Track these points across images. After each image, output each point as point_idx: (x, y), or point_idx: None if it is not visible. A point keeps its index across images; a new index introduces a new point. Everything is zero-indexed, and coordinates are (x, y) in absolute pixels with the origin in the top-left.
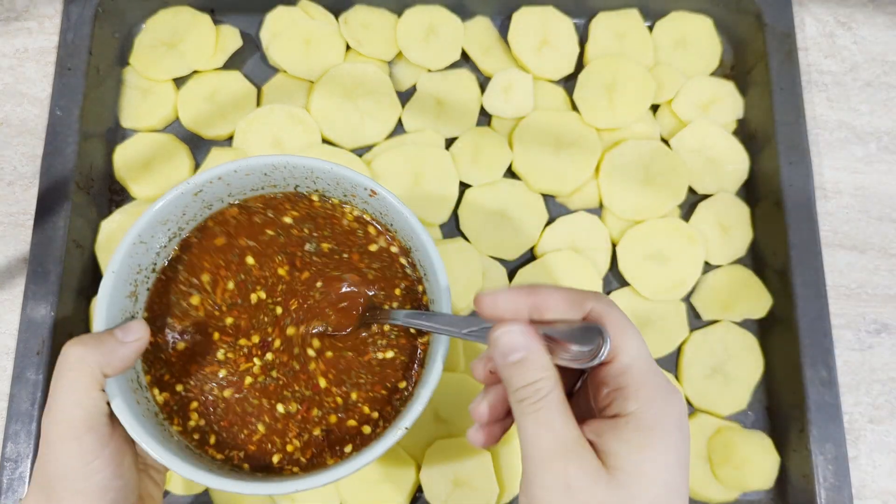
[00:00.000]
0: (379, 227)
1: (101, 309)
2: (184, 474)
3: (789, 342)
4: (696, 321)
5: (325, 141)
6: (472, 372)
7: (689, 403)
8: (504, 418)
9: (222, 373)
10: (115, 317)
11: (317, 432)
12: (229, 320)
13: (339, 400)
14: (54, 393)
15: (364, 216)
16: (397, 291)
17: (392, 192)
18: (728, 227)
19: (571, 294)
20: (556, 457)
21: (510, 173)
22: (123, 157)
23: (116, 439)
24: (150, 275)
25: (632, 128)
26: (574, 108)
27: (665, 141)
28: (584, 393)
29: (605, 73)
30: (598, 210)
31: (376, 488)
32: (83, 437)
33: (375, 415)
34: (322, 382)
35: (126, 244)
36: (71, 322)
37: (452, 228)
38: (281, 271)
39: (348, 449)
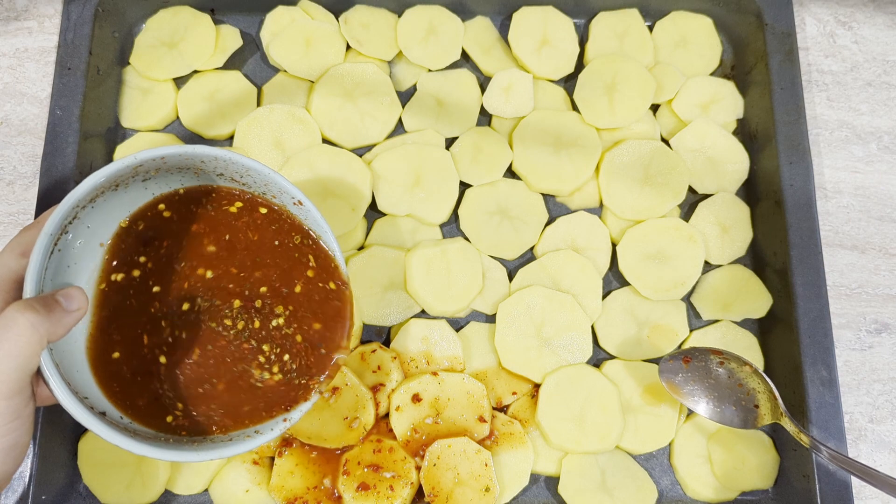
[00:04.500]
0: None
1: (33, 270)
2: (109, 439)
3: (789, 342)
4: (696, 321)
5: (325, 141)
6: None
7: None
8: None
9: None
10: (45, 281)
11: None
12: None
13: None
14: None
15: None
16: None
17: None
18: (728, 226)
19: None
20: None
21: (510, 173)
22: (123, 157)
23: (33, 400)
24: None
25: (632, 128)
26: (574, 108)
27: (665, 141)
28: None
29: (605, 73)
30: (598, 210)
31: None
32: (13, 398)
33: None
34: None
35: (63, 207)
36: None
37: (452, 228)
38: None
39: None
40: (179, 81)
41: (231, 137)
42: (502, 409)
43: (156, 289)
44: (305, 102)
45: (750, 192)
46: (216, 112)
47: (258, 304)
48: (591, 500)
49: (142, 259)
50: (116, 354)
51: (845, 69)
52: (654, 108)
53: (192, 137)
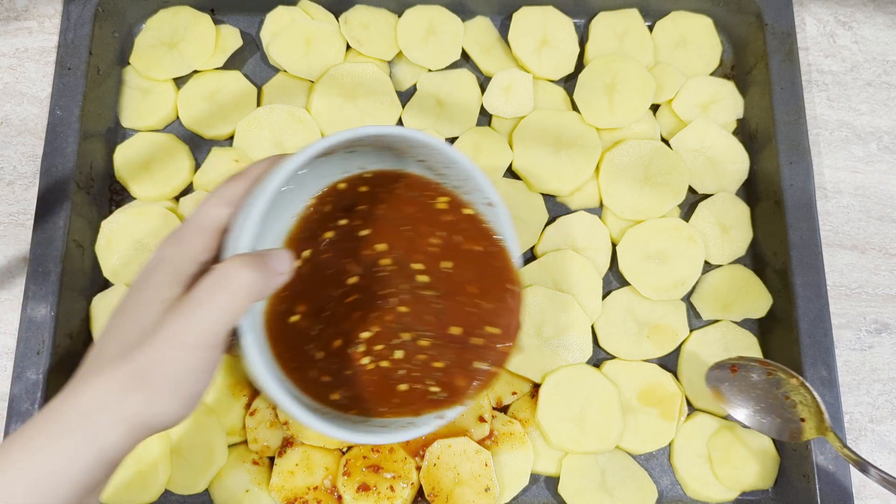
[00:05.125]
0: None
1: (252, 226)
2: (298, 416)
3: (789, 342)
4: (696, 321)
5: None
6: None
7: (689, 403)
8: None
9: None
10: (260, 239)
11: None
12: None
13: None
14: (207, 302)
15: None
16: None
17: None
18: (728, 226)
19: None
20: None
21: (510, 173)
22: (123, 157)
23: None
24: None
25: (632, 128)
26: (574, 108)
27: (665, 141)
28: None
29: (605, 73)
30: (598, 210)
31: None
32: (211, 350)
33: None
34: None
35: (288, 168)
36: (71, 322)
37: None
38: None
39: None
40: (179, 81)
41: (231, 137)
42: (502, 409)
43: (338, 262)
44: (305, 102)
45: (750, 192)
46: (216, 112)
47: (419, 277)
48: (591, 500)
49: (328, 235)
50: (295, 318)
51: (845, 69)
52: (654, 108)
53: (192, 137)
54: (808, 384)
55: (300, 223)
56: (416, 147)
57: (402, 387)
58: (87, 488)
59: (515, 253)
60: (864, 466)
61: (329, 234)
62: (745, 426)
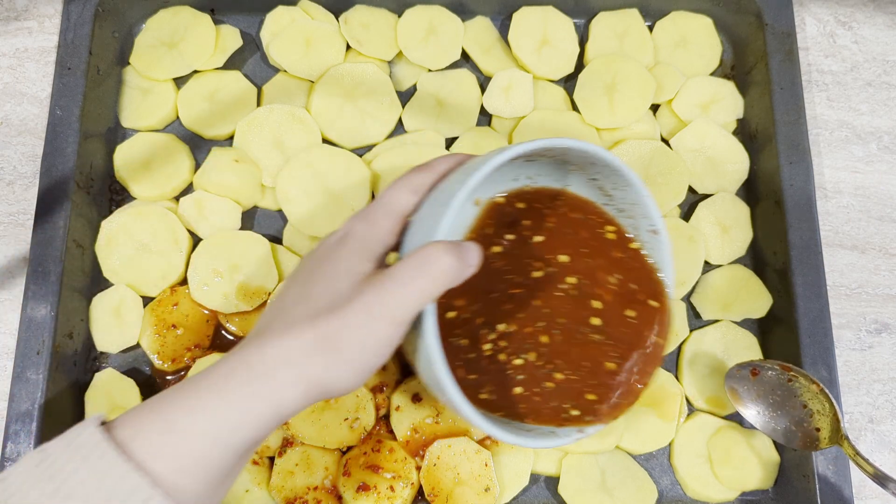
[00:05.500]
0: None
1: (449, 217)
2: (467, 413)
3: (789, 342)
4: (696, 321)
5: (325, 141)
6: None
7: (689, 403)
8: None
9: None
10: (452, 230)
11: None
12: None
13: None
14: (410, 281)
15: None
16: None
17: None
18: (728, 226)
19: None
20: None
21: None
22: (123, 157)
23: None
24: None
25: (632, 128)
26: (574, 108)
27: (665, 141)
28: None
29: (605, 73)
30: None
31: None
32: (400, 327)
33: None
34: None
35: (485, 170)
36: (71, 322)
37: None
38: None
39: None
40: (179, 81)
41: (231, 137)
42: None
43: (505, 268)
44: (305, 102)
45: (750, 192)
46: (216, 112)
47: (593, 320)
48: (591, 500)
49: (496, 248)
50: (452, 314)
51: (845, 69)
52: (654, 108)
53: (192, 137)
54: (827, 392)
55: (476, 222)
56: (598, 166)
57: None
58: (256, 442)
59: (671, 290)
60: (882, 477)
61: (497, 249)
62: (764, 433)
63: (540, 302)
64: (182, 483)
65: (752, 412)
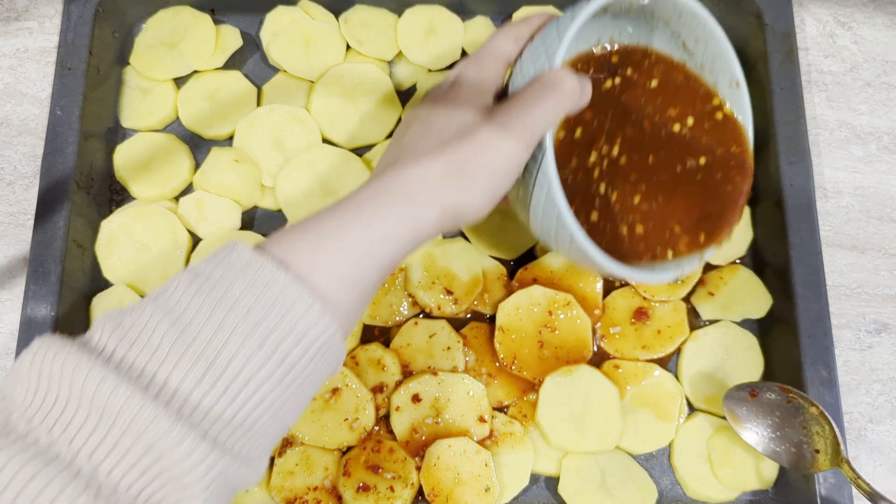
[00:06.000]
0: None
1: (565, 45)
2: (576, 234)
3: (789, 342)
4: (696, 321)
5: (325, 140)
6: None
7: (689, 403)
8: None
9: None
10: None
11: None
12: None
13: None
14: (539, 101)
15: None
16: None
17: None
18: None
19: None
20: None
21: None
22: (123, 157)
23: None
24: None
25: None
26: None
27: None
28: None
29: None
30: None
31: None
32: (528, 149)
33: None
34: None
35: (586, 14)
36: (71, 322)
37: None
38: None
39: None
40: (179, 81)
41: (231, 137)
42: (502, 409)
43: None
44: (305, 102)
45: (750, 192)
46: (216, 112)
47: (689, 162)
48: (591, 500)
49: (613, 79)
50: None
51: (845, 69)
52: None
53: (192, 137)
54: (827, 414)
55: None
56: (684, 16)
57: (639, 229)
58: (396, 262)
59: (749, 135)
60: (876, 498)
61: (608, 84)
62: (763, 455)
63: (645, 145)
64: (336, 296)
65: (751, 434)
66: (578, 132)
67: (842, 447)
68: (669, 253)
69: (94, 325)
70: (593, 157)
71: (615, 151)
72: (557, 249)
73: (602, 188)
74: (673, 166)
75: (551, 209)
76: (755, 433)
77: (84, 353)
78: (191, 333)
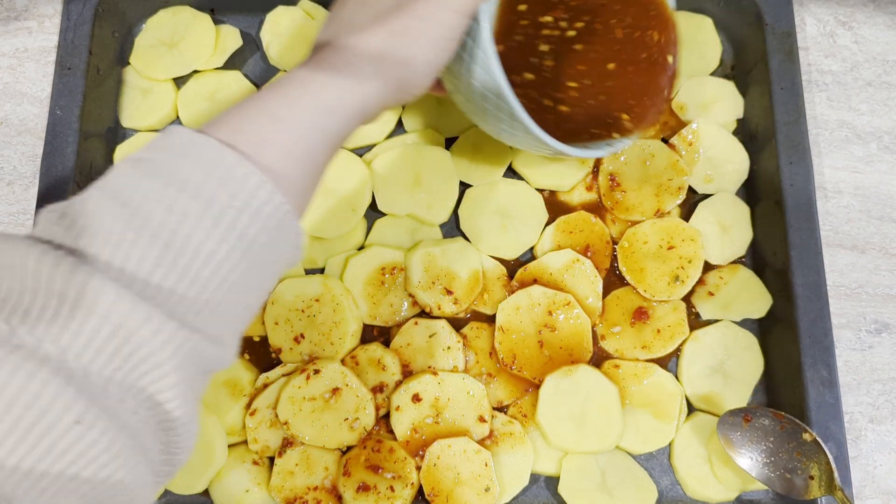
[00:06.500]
0: None
1: None
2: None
3: (789, 342)
4: (696, 321)
5: None
6: None
7: (688, 403)
8: None
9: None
10: None
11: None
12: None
13: None
14: None
15: None
16: None
17: None
18: (728, 226)
19: None
20: None
21: (510, 172)
22: (123, 157)
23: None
24: None
25: None
26: None
27: (665, 140)
28: None
29: None
30: (598, 210)
31: None
32: (465, 18)
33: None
34: None
35: None
36: None
37: (452, 228)
38: None
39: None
40: (179, 81)
41: None
42: (502, 409)
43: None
44: None
45: (750, 192)
46: (216, 112)
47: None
48: (591, 500)
49: None
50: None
51: (845, 69)
52: None
53: None
54: (820, 441)
55: None
56: None
57: (564, 109)
58: (344, 135)
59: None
60: None
61: None
62: (758, 480)
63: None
64: (286, 172)
65: (745, 459)
66: (523, 7)
67: (835, 474)
68: (610, 134)
69: (36, 220)
70: (532, 27)
71: (550, 19)
72: (497, 131)
73: (541, 60)
74: (611, 42)
75: (488, 82)
76: (749, 458)
77: (32, 242)
78: (142, 216)
